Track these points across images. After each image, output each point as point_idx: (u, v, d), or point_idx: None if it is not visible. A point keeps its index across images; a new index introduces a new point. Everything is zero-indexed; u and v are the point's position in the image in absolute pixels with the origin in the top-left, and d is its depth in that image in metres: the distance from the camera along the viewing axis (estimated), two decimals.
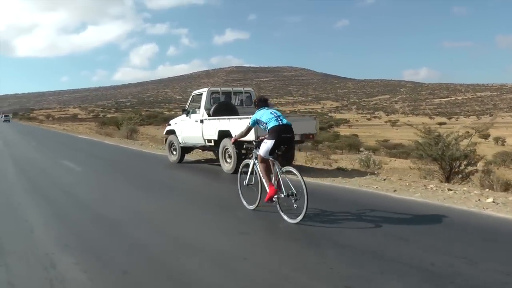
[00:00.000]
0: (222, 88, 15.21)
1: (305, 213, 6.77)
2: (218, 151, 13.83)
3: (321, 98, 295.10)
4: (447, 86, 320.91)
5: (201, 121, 14.27)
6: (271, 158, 7.42)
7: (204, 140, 14.30)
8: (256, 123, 7.82)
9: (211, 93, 14.72)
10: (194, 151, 17.09)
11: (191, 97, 15.49)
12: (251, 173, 8.06)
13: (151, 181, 12.27)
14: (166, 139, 16.84)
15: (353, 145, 55.05)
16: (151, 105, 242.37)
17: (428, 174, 15.15)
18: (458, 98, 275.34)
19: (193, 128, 14.64)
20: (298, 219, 6.82)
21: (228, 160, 13.30)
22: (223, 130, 13.32)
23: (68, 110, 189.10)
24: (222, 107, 14.31)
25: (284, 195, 7.15)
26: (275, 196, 7.31)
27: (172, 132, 16.09)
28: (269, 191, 7.37)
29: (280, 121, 7.41)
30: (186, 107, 15.33)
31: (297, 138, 13.04)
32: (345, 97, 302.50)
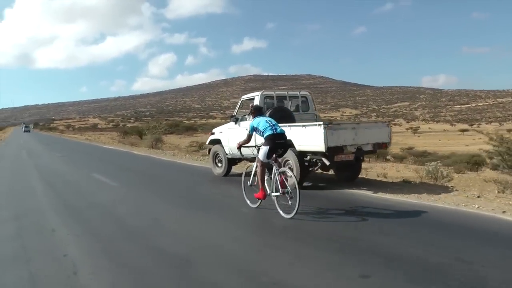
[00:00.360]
0: (276, 92, 13.44)
1: (297, 209, 7.74)
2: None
3: (340, 105, 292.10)
4: (467, 92, 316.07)
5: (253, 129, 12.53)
6: (270, 161, 8.39)
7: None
8: (253, 130, 8.67)
9: (264, 98, 12.98)
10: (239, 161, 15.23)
11: (239, 102, 13.76)
12: (254, 175, 8.98)
13: (204, 200, 10.46)
14: (209, 150, 15.07)
15: (380, 153, 53.13)
16: (170, 114, 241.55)
17: (506, 187, 13.30)
18: (479, 104, 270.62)
19: (244, 136, 12.88)
20: (292, 214, 7.78)
21: (289, 173, 11.51)
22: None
23: (88, 120, 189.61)
24: (278, 113, 12.57)
25: (280, 193, 8.09)
26: (274, 195, 8.29)
27: (216, 141, 14.33)
28: (259, 192, 8.54)
29: (274, 130, 8.33)
30: (235, 114, 13.59)
31: (369, 148, 11.31)
32: (364, 105, 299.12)
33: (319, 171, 12.31)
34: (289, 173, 8.45)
